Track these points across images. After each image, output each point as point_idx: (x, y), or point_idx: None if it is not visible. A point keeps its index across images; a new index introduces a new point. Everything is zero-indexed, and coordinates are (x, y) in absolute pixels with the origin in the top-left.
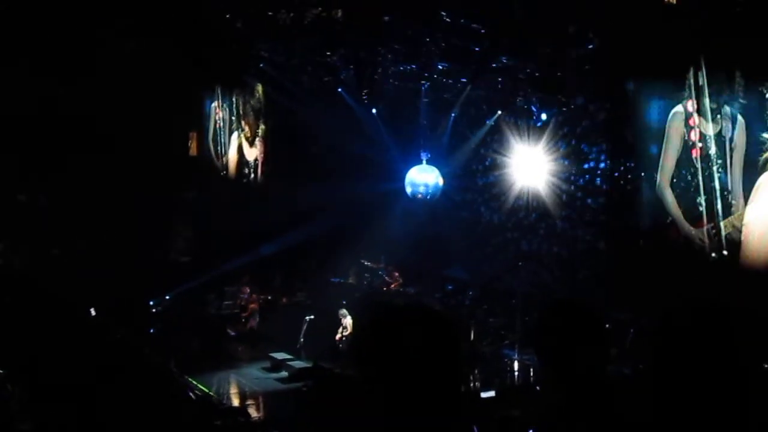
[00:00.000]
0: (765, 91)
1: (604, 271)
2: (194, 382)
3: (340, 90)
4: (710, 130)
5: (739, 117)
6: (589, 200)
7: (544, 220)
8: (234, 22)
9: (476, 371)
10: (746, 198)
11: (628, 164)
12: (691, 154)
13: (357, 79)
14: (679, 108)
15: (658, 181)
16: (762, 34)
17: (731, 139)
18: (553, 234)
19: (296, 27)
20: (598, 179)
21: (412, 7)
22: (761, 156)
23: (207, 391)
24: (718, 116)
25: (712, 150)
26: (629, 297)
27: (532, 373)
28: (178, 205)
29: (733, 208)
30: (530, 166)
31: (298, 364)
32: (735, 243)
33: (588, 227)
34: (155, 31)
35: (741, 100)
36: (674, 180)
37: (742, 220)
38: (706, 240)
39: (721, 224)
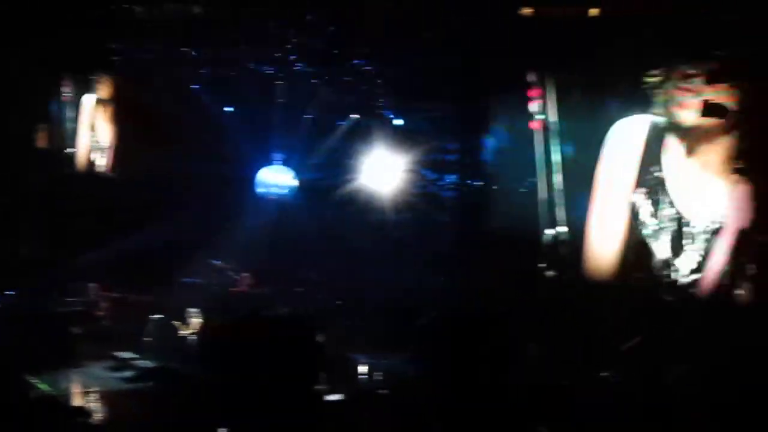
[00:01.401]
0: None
1: (456, 276)
2: (33, 381)
3: (195, 87)
4: None
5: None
6: (445, 206)
7: (398, 224)
8: (88, 13)
9: (325, 374)
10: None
11: (482, 172)
12: None
13: (213, 77)
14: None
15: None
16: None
17: None
18: (407, 239)
19: (152, 21)
20: (452, 185)
21: (270, 7)
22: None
23: (46, 390)
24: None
25: None
26: (480, 303)
27: (381, 377)
28: (26, 200)
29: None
30: (385, 171)
31: (144, 364)
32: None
33: (441, 232)
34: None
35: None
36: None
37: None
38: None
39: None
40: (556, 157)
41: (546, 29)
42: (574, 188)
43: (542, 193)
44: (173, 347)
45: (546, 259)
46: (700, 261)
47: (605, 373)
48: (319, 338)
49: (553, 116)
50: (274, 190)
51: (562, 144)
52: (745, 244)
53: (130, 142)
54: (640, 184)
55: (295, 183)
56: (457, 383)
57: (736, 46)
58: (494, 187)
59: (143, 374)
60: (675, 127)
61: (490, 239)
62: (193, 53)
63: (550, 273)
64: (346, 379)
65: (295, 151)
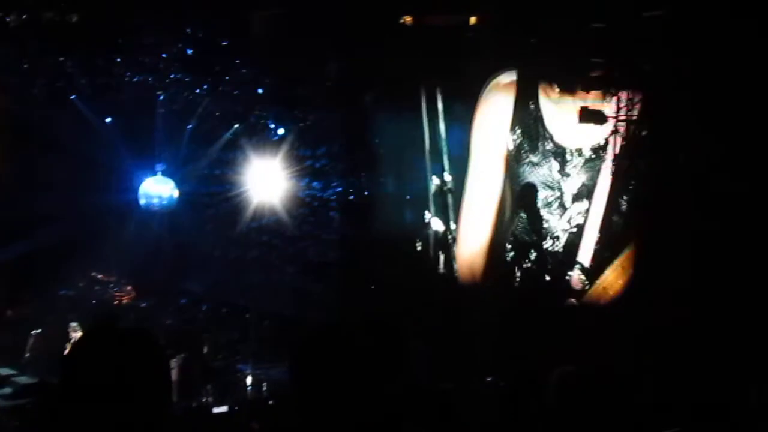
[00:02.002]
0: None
1: (341, 285)
2: None
3: (74, 97)
4: None
5: None
6: (327, 214)
7: (281, 235)
8: None
9: (209, 386)
10: None
11: (363, 179)
12: None
13: (92, 87)
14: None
15: None
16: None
17: None
18: (290, 248)
19: (29, 29)
20: (335, 194)
21: (151, 16)
22: None
23: None
24: None
25: None
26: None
27: (265, 388)
28: None
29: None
30: (268, 181)
31: (24, 380)
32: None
33: (325, 241)
34: None
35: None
36: None
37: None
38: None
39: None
40: (438, 162)
41: (426, 37)
42: (458, 192)
43: (425, 197)
44: (55, 362)
45: (428, 263)
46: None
47: (488, 377)
48: (205, 349)
49: (435, 122)
50: (155, 200)
51: (445, 149)
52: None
53: (4, 152)
54: (517, 124)
55: (177, 193)
56: (334, 391)
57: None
58: (378, 193)
59: (23, 391)
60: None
61: (373, 245)
62: (71, 63)
63: (434, 277)
64: (231, 391)
65: (177, 162)
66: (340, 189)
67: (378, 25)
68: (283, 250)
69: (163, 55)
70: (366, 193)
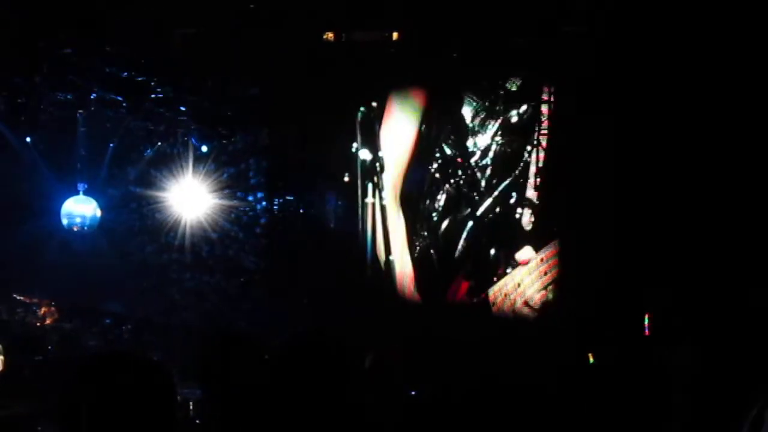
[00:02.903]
0: None
1: (264, 303)
2: None
3: None
4: None
5: None
6: (254, 230)
7: (206, 253)
8: None
9: None
10: None
11: (288, 198)
12: None
13: (10, 106)
14: None
15: None
16: None
17: None
18: (214, 266)
19: None
20: (262, 210)
21: (71, 33)
22: None
23: None
24: None
25: None
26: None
27: (191, 407)
28: None
29: None
30: (192, 198)
31: None
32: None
33: (253, 257)
34: None
35: None
36: None
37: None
38: None
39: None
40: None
41: (350, 53)
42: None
43: (356, 213)
44: None
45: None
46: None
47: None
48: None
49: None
50: (78, 220)
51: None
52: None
53: None
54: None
55: (99, 213)
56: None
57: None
58: (304, 209)
59: None
60: None
61: (302, 258)
62: None
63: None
64: None
65: (99, 181)
66: (266, 204)
67: (301, 42)
68: (209, 268)
69: (84, 73)
70: (293, 208)
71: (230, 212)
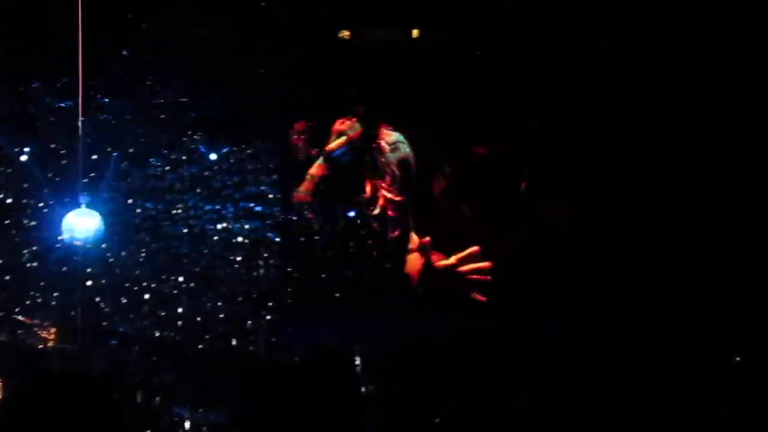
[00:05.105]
0: None
1: (283, 316)
2: None
3: None
4: None
5: None
6: (267, 241)
7: (218, 269)
8: None
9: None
10: None
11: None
12: None
13: (9, 115)
14: None
15: None
16: None
17: None
18: (228, 280)
19: None
20: (275, 221)
21: (67, 35)
22: None
23: None
24: None
25: None
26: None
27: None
28: None
29: None
30: (202, 209)
31: None
32: None
33: (266, 270)
34: None
35: None
36: None
37: None
38: None
39: None
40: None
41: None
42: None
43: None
44: None
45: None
46: None
47: None
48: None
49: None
50: (80, 235)
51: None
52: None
53: None
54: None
55: (102, 227)
56: None
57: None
58: (323, 219)
59: None
60: None
61: (316, 271)
62: None
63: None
64: None
65: (102, 193)
66: (281, 217)
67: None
68: (220, 282)
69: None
70: (309, 218)
71: (242, 222)
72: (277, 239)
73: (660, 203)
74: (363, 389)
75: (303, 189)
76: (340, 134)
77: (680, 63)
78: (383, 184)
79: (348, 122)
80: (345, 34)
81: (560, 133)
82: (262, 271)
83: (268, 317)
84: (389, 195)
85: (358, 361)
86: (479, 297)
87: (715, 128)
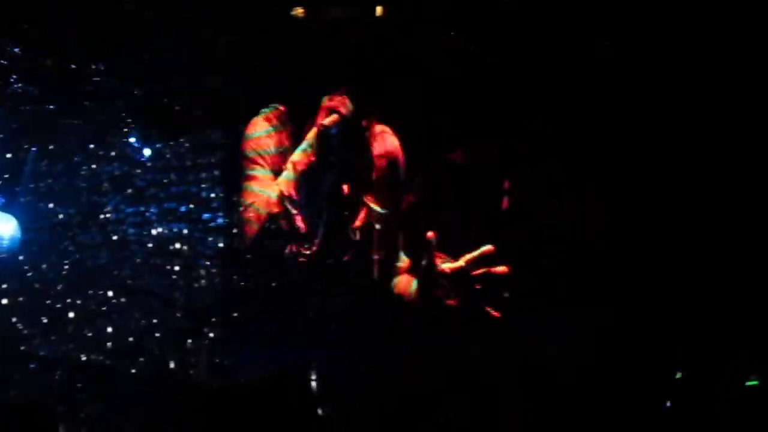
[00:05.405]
0: None
1: (229, 333)
2: None
3: None
4: None
5: None
6: (209, 247)
7: (151, 276)
8: None
9: None
10: None
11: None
12: None
13: None
14: None
15: None
16: None
17: None
18: (164, 291)
19: None
20: (214, 229)
21: None
22: None
23: None
24: None
25: None
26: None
27: None
28: None
29: None
30: (132, 211)
31: None
32: None
33: (207, 280)
34: None
35: None
36: None
37: None
38: None
39: None
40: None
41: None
42: None
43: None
44: None
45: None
46: None
47: None
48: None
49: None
50: None
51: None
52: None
53: None
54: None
55: (19, 233)
56: None
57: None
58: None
59: None
60: None
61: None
62: None
63: None
64: None
65: (19, 194)
66: (223, 220)
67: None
68: (156, 296)
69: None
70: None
71: (182, 230)
72: (221, 245)
73: (660, 203)
74: (322, 415)
75: (284, 181)
76: (331, 111)
77: (680, 63)
78: (369, 197)
79: (338, 98)
80: (299, 11)
81: (560, 133)
82: (204, 282)
83: (211, 335)
84: (375, 206)
85: (317, 386)
86: (493, 312)
87: (715, 128)
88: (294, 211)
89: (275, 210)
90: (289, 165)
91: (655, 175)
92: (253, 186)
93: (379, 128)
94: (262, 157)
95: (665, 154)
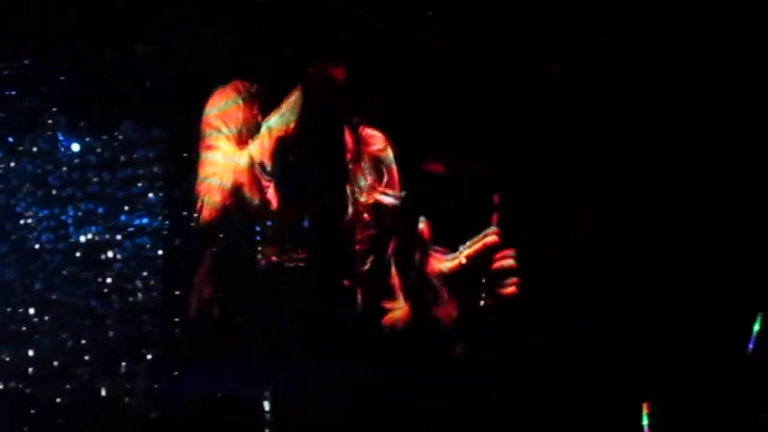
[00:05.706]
0: None
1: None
2: None
3: None
4: None
5: None
6: (142, 250)
7: (80, 293)
8: None
9: None
10: None
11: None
12: None
13: None
14: None
15: None
16: None
17: None
18: (86, 315)
19: None
20: (155, 234)
21: None
22: None
23: None
24: None
25: None
26: None
27: None
28: None
29: None
30: (60, 210)
31: None
32: None
33: (136, 301)
34: None
35: None
36: None
37: None
38: None
39: None
40: None
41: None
42: None
43: None
44: None
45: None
46: None
47: None
48: None
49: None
50: None
51: None
52: None
53: None
54: None
55: None
56: None
57: None
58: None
59: None
60: None
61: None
62: None
63: None
64: None
65: None
66: (162, 223)
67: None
68: (85, 313)
69: None
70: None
71: (115, 236)
72: (161, 252)
73: (653, 207)
74: None
75: (257, 148)
76: (322, 77)
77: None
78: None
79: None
80: None
81: (556, 131)
82: (140, 296)
83: (149, 356)
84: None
85: (270, 415)
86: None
87: (713, 130)
88: (265, 182)
89: (242, 180)
90: (264, 130)
91: (648, 180)
92: (216, 155)
93: (368, 130)
94: (227, 126)
95: (658, 157)
